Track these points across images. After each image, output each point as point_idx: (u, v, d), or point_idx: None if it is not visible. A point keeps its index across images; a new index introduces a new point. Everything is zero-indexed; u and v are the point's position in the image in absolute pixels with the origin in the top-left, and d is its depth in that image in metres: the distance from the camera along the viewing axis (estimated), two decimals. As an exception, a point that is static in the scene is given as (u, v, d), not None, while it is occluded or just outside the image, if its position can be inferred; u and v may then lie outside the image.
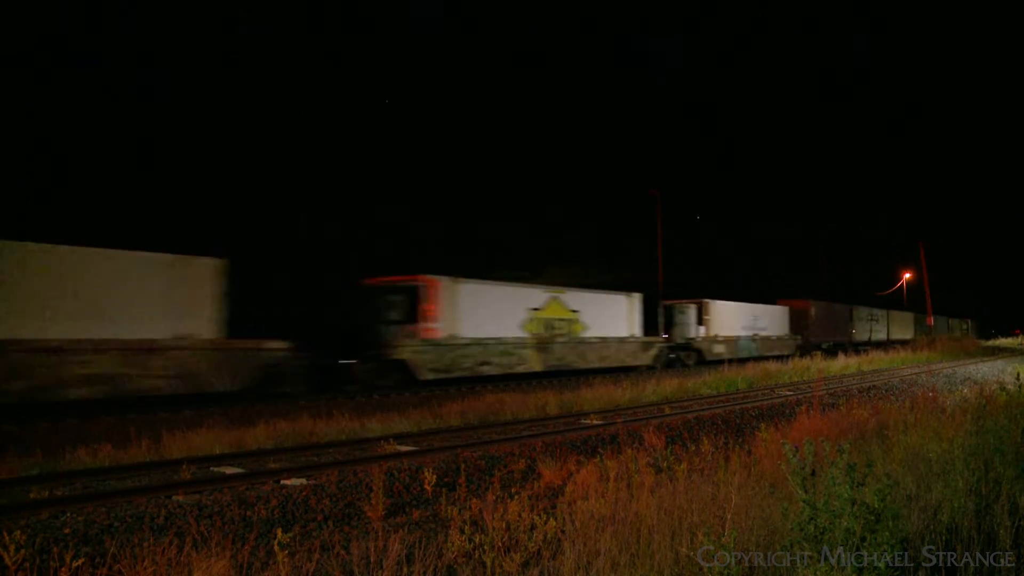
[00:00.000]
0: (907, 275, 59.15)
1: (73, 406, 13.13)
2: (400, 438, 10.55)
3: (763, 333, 36.44)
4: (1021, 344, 67.51)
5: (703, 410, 14.39)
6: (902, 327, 56.92)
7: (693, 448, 8.11)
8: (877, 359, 31.77)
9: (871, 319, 51.60)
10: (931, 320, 55.94)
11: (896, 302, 59.64)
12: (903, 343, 49.38)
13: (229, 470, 8.44)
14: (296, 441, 10.48)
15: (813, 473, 3.17)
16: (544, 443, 10.11)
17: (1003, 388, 10.87)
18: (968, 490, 4.36)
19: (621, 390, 16.38)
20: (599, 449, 9.56)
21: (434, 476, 7.39)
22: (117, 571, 4.29)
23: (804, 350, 36.16)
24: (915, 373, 24.90)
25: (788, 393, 18.02)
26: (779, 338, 38.12)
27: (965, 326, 72.93)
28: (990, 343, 67.23)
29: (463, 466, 8.20)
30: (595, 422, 12.58)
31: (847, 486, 3.01)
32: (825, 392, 17.27)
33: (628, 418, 12.93)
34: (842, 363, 28.38)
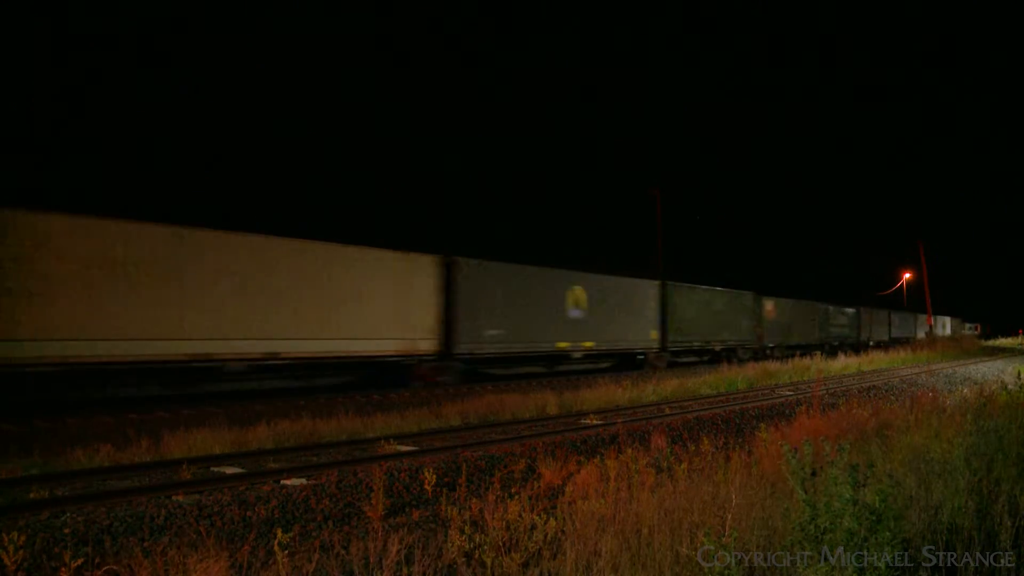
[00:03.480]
0: (907, 275, 59.18)
1: (76, 407, 13.19)
2: (400, 438, 10.55)
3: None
4: (1021, 344, 67.48)
5: (703, 410, 14.39)
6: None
7: (693, 448, 8.11)
8: (877, 359, 31.81)
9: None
10: (931, 320, 55.96)
11: (897, 302, 59.64)
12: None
13: (229, 470, 8.44)
14: (297, 441, 10.48)
15: (813, 473, 3.17)
16: (544, 443, 10.10)
17: (1004, 388, 10.88)
18: (969, 490, 4.35)
19: (621, 390, 16.41)
20: (599, 449, 9.55)
21: (434, 476, 7.38)
22: (116, 571, 4.29)
23: None
24: (915, 373, 24.90)
25: (788, 393, 18.03)
26: None
27: (968, 326, 72.92)
28: (990, 343, 67.19)
29: (463, 466, 8.20)
30: (595, 422, 12.57)
31: (848, 486, 3.00)
32: (825, 392, 17.27)
33: (628, 418, 12.93)
34: (842, 363, 28.46)
